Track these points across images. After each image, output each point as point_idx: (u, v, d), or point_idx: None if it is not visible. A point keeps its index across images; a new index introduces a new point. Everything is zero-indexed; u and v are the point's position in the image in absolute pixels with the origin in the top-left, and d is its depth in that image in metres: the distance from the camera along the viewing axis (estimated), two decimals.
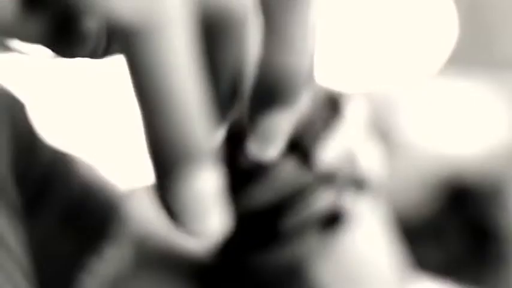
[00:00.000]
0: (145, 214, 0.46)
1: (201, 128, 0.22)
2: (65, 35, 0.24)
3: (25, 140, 0.42)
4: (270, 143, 0.28)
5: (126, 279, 0.43)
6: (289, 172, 0.39)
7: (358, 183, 0.41)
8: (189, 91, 0.22)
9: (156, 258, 0.44)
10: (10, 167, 0.41)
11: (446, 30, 2.25)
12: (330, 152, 0.38)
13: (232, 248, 0.42)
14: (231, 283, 0.42)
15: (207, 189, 0.22)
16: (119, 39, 0.22)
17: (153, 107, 0.22)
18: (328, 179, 0.39)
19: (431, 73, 2.20)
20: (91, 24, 0.24)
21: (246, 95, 0.27)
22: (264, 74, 0.27)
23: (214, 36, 0.24)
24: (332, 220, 0.41)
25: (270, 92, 0.27)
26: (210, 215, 0.22)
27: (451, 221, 1.61)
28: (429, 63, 2.23)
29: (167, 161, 0.22)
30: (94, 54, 0.25)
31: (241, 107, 0.30)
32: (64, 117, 1.54)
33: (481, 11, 2.23)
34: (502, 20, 2.20)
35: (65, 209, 0.43)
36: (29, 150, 0.42)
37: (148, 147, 0.22)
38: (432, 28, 2.26)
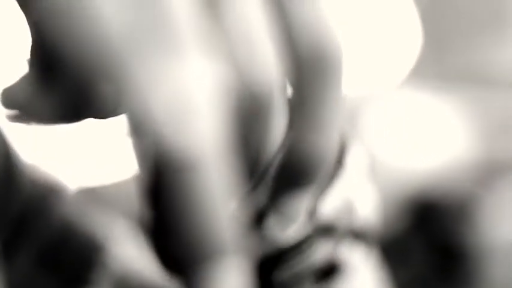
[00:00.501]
0: (128, 253, 0.45)
1: (226, 226, 0.23)
2: (84, 106, 0.24)
3: (2, 174, 0.41)
4: (291, 222, 0.29)
5: None
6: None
7: (355, 234, 0.41)
8: (219, 212, 0.23)
9: None
10: None
11: (409, 42, 2.26)
12: (331, 203, 0.37)
13: None
14: None
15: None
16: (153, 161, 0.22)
17: (182, 219, 0.23)
18: (327, 230, 0.39)
19: (393, 85, 2.21)
20: (107, 89, 0.23)
21: (268, 176, 0.28)
22: (291, 155, 0.27)
23: (243, 118, 0.25)
24: (328, 272, 0.40)
25: (296, 172, 0.28)
26: None
27: (416, 239, 1.62)
28: (391, 75, 2.23)
29: (190, 257, 0.23)
30: (115, 113, 0.25)
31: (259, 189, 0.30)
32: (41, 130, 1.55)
33: (439, 23, 2.25)
34: (459, 32, 2.22)
35: (43, 250, 0.42)
36: (6, 185, 0.41)
37: (169, 245, 0.24)
38: (396, 40, 2.26)
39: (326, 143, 0.27)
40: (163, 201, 0.23)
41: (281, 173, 0.28)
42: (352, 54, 2.20)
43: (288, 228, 0.30)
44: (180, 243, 0.23)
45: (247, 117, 0.26)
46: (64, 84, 0.24)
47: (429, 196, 1.75)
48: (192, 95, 0.21)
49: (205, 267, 0.23)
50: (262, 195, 0.30)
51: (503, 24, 2.17)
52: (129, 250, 0.45)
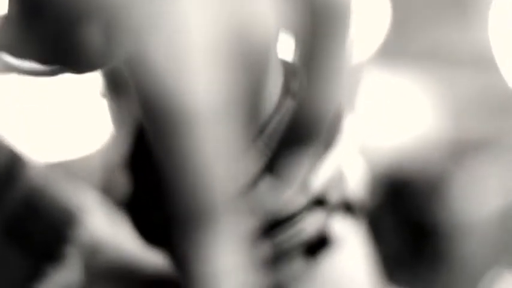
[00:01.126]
0: (100, 226, 0.44)
1: (226, 194, 0.24)
2: (65, 50, 0.24)
3: None
4: (286, 186, 0.30)
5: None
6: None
7: (346, 206, 0.41)
8: (217, 167, 0.24)
9: (108, 272, 0.43)
10: None
11: (378, 19, 2.26)
12: (324, 174, 0.37)
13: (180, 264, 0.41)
14: None
15: (228, 269, 0.24)
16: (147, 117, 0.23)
17: (184, 174, 0.23)
18: (319, 202, 0.39)
19: (360, 61, 2.21)
20: (92, 34, 0.23)
21: (265, 136, 0.29)
22: (296, 118, 0.28)
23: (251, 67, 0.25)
24: (319, 244, 0.40)
25: (297, 132, 0.28)
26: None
27: (388, 217, 1.64)
28: (358, 52, 2.23)
29: (189, 219, 0.23)
30: (97, 66, 0.25)
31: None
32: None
33: (406, 4, 2.26)
34: (425, 13, 2.23)
35: (9, 222, 0.41)
36: None
37: (172, 202, 0.23)
38: (364, 17, 2.26)
39: (329, 110, 0.28)
40: (159, 156, 0.23)
41: (282, 133, 0.28)
42: None
43: (283, 193, 0.30)
44: (176, 203, 0.23)
45: (245, 71, 0.25)
46: (47, 26, 0.23)
47: (400, 174, 1.77)
48: (191, 40, 0.21)
49: (198, 229, 0.22)
50: (259, 156, 0.30)
51: (466, 5, 2.19)
52: (101, 223, 0.44)
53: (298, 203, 0.38)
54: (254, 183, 0.34)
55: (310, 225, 0.39)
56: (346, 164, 0.40)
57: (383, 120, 2.00)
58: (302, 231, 0.39)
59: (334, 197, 0.40)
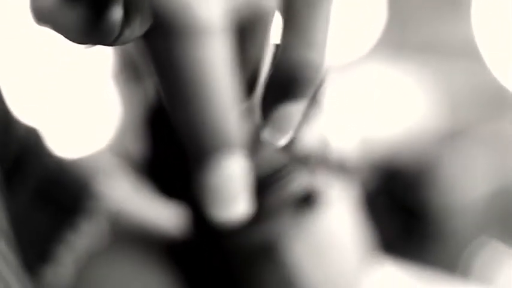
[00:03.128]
0: (121, 190, 0.46)
1: (233, 120, 0.25)
2: (98, 24, 0.26)
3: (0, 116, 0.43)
4: (283, 130, 0.30)
5: (101, 253, 0.44)
6: (266, 153, 0.39)
7: (330, 165, 0.42)
8: (224, 88, 0.25)
9: (130, 234, 0.45)
10: None
11: (374, 13, 2.27)
12: (308, 134, 0.38)
13: (207, 226, 0.43)
14: (204, 261, 0.43)
15: (235, 175, 0.24)
16: (157, 35, 0.24)
17: (190, 101, 0.24)
18: (303, 161, 0.40)
19: (358, 56, 2.22)
20: (119, 14, 0.26)
21: (262, 86, 0.30)
22: (283, 67, 0.28)
23: (243, 32, 0.27)
24: (305, 201, 0.41)
25: (287, 84, 0.29)
26: (237, 199, 0.25)
27: (382, 202, 1.65)
28: (356, 46, 2.24)
29: (201, 149, 0.24)
30: (115, 42, 0.27)
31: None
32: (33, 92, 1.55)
33: None
34: (420, 6, 2.25)
35: (39, 184, 0.44)
36: (3, 126, 0.43)
37: (182, 135, 0.25)
38: (361, 11, 2.27)
39: (314, 58, 0.28)
40: (171, 74, 0.24)
41: (272, 84, 0.29)
42: None
43: (281, 135, 0.30)
44: (189, 132, 0.24)
45: (247, 29, 0.27)
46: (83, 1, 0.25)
47: (395, 162, 1.78)
48: None
49: (213, 156, 0.24)
50: (257, 107, 0.31)
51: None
52: (122, 187, 0.46)
53: (282, 161, 0.39)
54: (254, 134, 0.35)
55: (295, 182, 0.40)
56: (331, 128, 0.41)
57: (379, 110, 2.01)
58: (288, 187, 0.40)
59: (317, 156, 0.40)
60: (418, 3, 2.26)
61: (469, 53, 2.17)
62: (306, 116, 0.38)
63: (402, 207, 1.69)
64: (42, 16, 0.25)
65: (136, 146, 0.41)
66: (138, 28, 0.26)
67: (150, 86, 0.38)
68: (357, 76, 2.12)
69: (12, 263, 0.38)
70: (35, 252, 0.43)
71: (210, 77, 0.24)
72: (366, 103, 2.02)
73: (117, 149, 0.44)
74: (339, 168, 0.42)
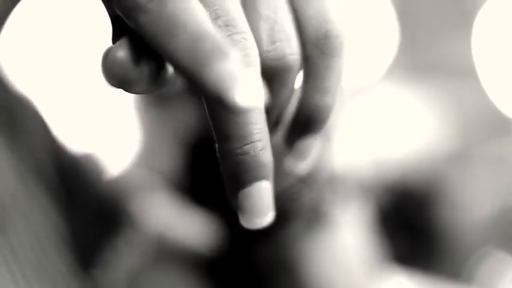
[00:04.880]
0: (161, 214, 0.50)
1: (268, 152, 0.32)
2: (159, 77, 0.31)
3: (52, 141, 0.48)
4: (303, 159, 0.36)
5: (147, 268, 0.48)
6: (283, 176, 0.43)
7: (335, 185, 0.46)
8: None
9: (171, 254, 0.49)
10: (50, 156, 0.46)
11: (387, 37, 2.32)
12: (312, 156, 0.41)
13: (233, 244, 0.47)
14: (234, 275, 0.47)
15: (266, 194, 0.33)
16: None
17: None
18: (312, 182, 0.44)
19: (373, 80, 2.26)
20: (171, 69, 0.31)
21: (287, 124, 0.36)
22: (303, 109, 0.35)
23: (273, 80, 0.33)
24: (314, 220, 0.45)
25: (307, 122, 0.35)
26: (267, 213, 0.33)
27: (392, 221, 1.68)
28: (371, 70, 2.28)
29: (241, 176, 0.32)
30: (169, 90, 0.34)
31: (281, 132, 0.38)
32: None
33: (413, 17, 2.31)
34: (431, 29, 2.28)
35: (93, 200, 0.49)
36: (55, 156, 0.47)
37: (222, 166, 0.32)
38: (374, 38, 2.31)
39: (329, 102, 0.34)
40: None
41: (296, 123, 0.35)
42: None
43: (302, 164, 0.36)
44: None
45: (275, 80, 0.33)
46: (152, 59, 0.30)
47: (404, 182, 1.81)
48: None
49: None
50: (282, 138, 0.37)
51: (467, 21, 2.23)
52: (160, 212, 0.50)
53: (294, 180, 0.44)
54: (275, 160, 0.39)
55: (302, 200, 0.44)
56: (335, 152, 0.45)
57: (391, 132, 2.04)
58: (296, 207, 0.45)
59: (322, 176, 0.45)
60: (428, 26, 2.29)
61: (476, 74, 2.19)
62: (320, 147, 0.42)
63: (411, 225, 1.73)
64: (113, 77, 0.30)
65: (172, 165, 0.45)
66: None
67: (188, 116, 0.42)
68: (368, 98, 2.15)
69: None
70: (87, 257, 0.47)
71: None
72: (378, 125, 2.05)
73: (148, 166, 0.46)
74: (349, 188, 0.46)
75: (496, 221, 1.79)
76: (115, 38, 0.31)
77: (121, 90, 0.31)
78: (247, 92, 0.27)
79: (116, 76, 0.30)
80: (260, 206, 0.32)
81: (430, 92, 2.16)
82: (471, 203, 1.81)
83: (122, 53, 0.29)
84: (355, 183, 0.47)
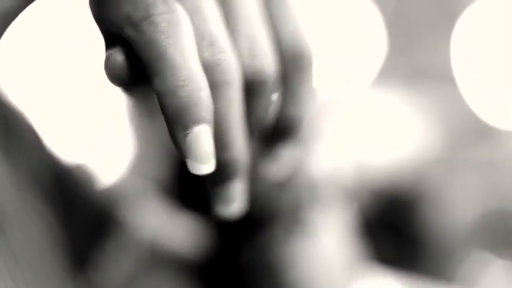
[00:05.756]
0: (152, 221, 0.51)
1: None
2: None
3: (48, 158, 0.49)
4: (279, 166, 0.39)
5: (141, 275, 0.49)
6: (262, 180, 0.44)
7: (315, 190, 0.47)
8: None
9: (163, 259, 0.49)
10: (45, 164, 0.48)
11: (375, 44, 2.33)
12: (287, 161, 0.42)
13: (220, 249, 0.49)
14: (223, 279, 0.49)
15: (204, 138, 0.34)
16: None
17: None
18: (287, 186, 0.45)
19: (363, 86, 2.28)
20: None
21: (263, 132, 0.39)
22: (280, 119, 0.38)
23: (253, 92, 0.36)
24: (293, 225, 0.46)
25: (282, 131, 0.38)
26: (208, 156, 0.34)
27: (377, 225, 1.69)
28: (359, 77, 2.30)
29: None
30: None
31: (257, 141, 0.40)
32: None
33: (403, 23, 2.33)
34: (423, 31, 2.30)
35: (87, 208, 0.50)
36: (50, 160, 0.49)
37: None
38: (362, 43, 2.33)
39: (302, 112, 0.38)
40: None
41: (272, 132, 0.38)
42: (325, 59, 2.23)
43: (278, 169, 0.40)
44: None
45: (255, 92, 0.36)
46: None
47: (392, 189, 1.82)
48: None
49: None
50: (258, 146, 0.40)
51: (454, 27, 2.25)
52: (156, 221, 0.51)
53: (269, 185, 0.45)
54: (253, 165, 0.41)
55: (281, 206, 0.45)
56: (313, 152, 0.46)
57: (379, 139, 2.05)
58: (275, 213, 0.46)
59: (301, 182, 0.45)
60: (417, 33, 2.30)
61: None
62: (295, 153, 0.44)
63: (396, 229, 1.74)
64: (114, 77, 0.34)
65: (162, 172, 0.46)
66: None
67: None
68: (355, 104, 2.16)
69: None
70: (82, 260, 0.49)
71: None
72: (364, 130, 2.06)
73: (140, 174, 0.48)
74: (330, 192, 0.47)
75: (480, 225, 1.81)
76: (108, 47, 0.35)
77: (122, 90, 0.36)
78: (201, 165, 0.33)
79: (116, 76, 0.34)
80: (201, 150, 0.33)
81: (417, 97, 2.18)
82: (455, 208, 1.83)
83: (120, 57, 0.34)
84: (337, 187, 0.48)
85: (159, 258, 0.50)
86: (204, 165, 0.33)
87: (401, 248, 1.70)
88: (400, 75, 2.27)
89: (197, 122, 0.33)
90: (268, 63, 0.35)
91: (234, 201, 0.36)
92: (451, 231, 1.78)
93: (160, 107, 0.33)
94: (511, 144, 2.03)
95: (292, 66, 0.37)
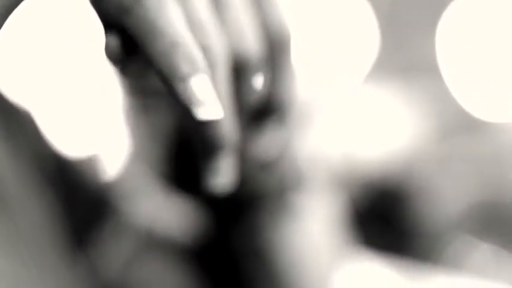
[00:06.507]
0: (147, 207, 0.51)
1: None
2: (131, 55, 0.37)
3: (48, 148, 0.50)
4: (267, 148, 0.41)
5: (138, 260, 0.49)
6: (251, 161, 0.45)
7: (302, 174, 0.47)
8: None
9: (159, 244, 0.50)
10: (47, 153, 0.49)
11: (368, 40, 2.34)
12: (276, 144, 0.43)
13: (213, 233, 0.49)
14: (217, 263, 0.49)
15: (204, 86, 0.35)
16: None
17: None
18: (274, 170, 0.45)
19: (356, 82, 2.28)
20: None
21: (250, 114, 0.40)
22: (268, 100, 0.40)
23: (241, 75, 0.38)
24: (279, 209, 0.46)
25: (270, 113, 0.40)
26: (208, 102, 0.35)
27: (366, 216, 1.70)
28: (352, 73, 2.30)
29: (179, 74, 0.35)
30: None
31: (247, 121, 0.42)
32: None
33: (398, 17, 2.34)
34: (417, 26, 2.31)
35: (89, 195, 0.52)
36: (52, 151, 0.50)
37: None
38: (354, 39, 2.34)
39: (289, 96, 0.40)
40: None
41: (259, 114, 0.40)
42: (318, 55, 2.26)
43: (266, 151, 0.40)
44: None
45: (244, 74, 0.37)
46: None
47: (385, 182, 1.84)
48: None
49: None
50: (245, 126, 0.41)
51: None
52: (152, 206, 0.51)
53: (256, 168, 0.45)
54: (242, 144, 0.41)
55: (267, 189, 0.46)
56: (298, 140, 0.46)
57: (369, 131, 2.06)
58: (260, 197, 0.46)
59: (287, 167, 0.46)
60: (409, 27, 2.31)
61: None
62: (284, 136, 0.45)
63: (386, 220, 1.76)
64: (113, 61, 0.36)
65: (158, 160, 0.46)
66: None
67: (170, 117, 0.46)
68: (348, 97, 2.16)
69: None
70: (82, 239, 0.50)
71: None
72: (355, 123, 2.06)
73: (137, 163, 0.49)
74: (318, 178, 0.47)
75: (469, 216, 1.82)
76: (106, 33, 0.37)
77: (121, 73, 0.37)
78: (207, 109, 0.34)
79: (113, 57, 0.36)
80: (205, 94, 0.34)
81: (408, 91, 2.19)
82: (444, 199, 1.84)
83: (115, 40, 0.36)
84: (325, 174, 0.48)
85: (156, 243, 0.51)
86: (210, 107, 0.34)
87: (391, 239, 1.71)
88: (391, 70, 2.28)
89: (194, 72, 0.34)
90: (253, 47, 0.38)
91: (223, 175, 0.38)
92: (440, 222, 1.79)
93: (156, 73, 0.34)
94: (498, 137, 2.05)
95: (275, 49, 0.39)
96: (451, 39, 2.21)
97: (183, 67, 0.34)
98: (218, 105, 0.34)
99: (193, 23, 0.36)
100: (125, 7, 0.35)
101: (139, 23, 0.34)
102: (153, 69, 0.35)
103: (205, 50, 0.36)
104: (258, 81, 0.38)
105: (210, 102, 0.34)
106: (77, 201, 0.49)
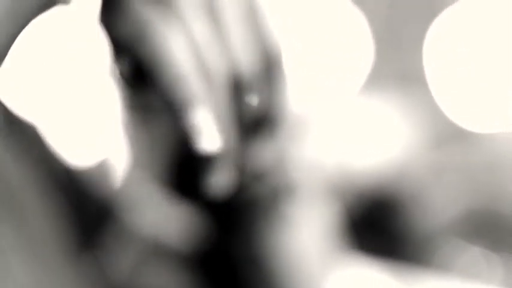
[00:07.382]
0: (150, 215, 0.51)
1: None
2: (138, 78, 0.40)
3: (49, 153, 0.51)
4: (258, 158, 0.42)
5: (142, 267, 0.50)
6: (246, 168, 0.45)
7: (294, 184, 0.47)
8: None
9: (161, 251, 0.50)
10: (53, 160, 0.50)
11: (362, 51, 2.35)
12: (266, 154, 0.44)
13: (211, 241, 0.49)
14: (216, 266, 0.49)
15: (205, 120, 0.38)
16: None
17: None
18: (266, 179, 0.45)
19: (352, 93, 2.29)
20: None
21: (246, 126, 0.42)
22: (262, 114, 0.42)
23: (237, 90, 0.41)
24: (272, 218, 0.46)
25: (262, 124, 0.42)
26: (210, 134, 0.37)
27: (360, 224, 1.71)
28: (348, 84, 2.32)
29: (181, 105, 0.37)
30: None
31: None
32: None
33: (393, 28, 2.36)
34: (412, 37, 2.32)
35: (97, 203, 0.52)
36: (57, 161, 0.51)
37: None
38: (349, 50, 2.35)
39: (280, 105, 0.41)
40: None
41: (254, 124, 0.41)
42: (314, 65, 2.28)
43: (258, 162, 0.42)
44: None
45: (239, 89, 0.40)
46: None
47: (379, 191, 1.85)
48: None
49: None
50: (240, 136, 0.42)
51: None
52: (155, 217, 0.51)
53: (249, 178, 0.45)
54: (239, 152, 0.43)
55: (258, 197, 0.46)
56: (291, 150, 0.46)
57: (363, 141, 2.07)
58: (254, 202, 0.46)
59: (277, 176, 0.46)
60: (404, 37, 2.33)
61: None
62: (276, 147, 0.45)
63: (379, 228, 1.77)
64: (122, 81, 0.39)
65: (158, 168, 0.46)
66: None
67: (169, 127, 0.45)
68: (344, 107, 2.18)
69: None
70: (87, 240, 0.50)
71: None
72: (349, 133, 2.07)
73: (137, 173, 0.50)
74: (311, 187, 0.47)
75: (460, 224, 1.84)
76: (115, 56, 0.40)
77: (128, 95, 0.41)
78: (208, 141, 0.37)
79: (125, 83, 0.40)
80: (204, 129, 0.37)
81: (401, 101, 2.19)
82: (436, 207, 1.86)
83: (127, 67, 0.39)
84: (318, 183, 0.49)
85: (159, 250, 0.51)
86: (209, 139, 0.37)
87: (384, 247, 1.72)
88: (385, 80, 2.29)
89: (196, 104, 0.37)
90: (249, 66, 0.40)
91: (222, 177, 0.40)
92: (432, 229, 1.81)
93: (161, 100, 0.38)
94: (490, 147, 2.07)
95: (268, 65, 0.41)
96: (438, 51, 2.23)
97: (186, 100, 0.37)
98: (217, 137, 0.37)
99: (194, 49, 0.39)
100: (135, 37, 0.38)
101: (147, 55, 0.37)
102: (158, 95, 0.38)
103: (206, 73, 0.38)
104: (254, 98, 0.41)
105: (209, 135, 0.37)
106: (84, 208, 0.51)
